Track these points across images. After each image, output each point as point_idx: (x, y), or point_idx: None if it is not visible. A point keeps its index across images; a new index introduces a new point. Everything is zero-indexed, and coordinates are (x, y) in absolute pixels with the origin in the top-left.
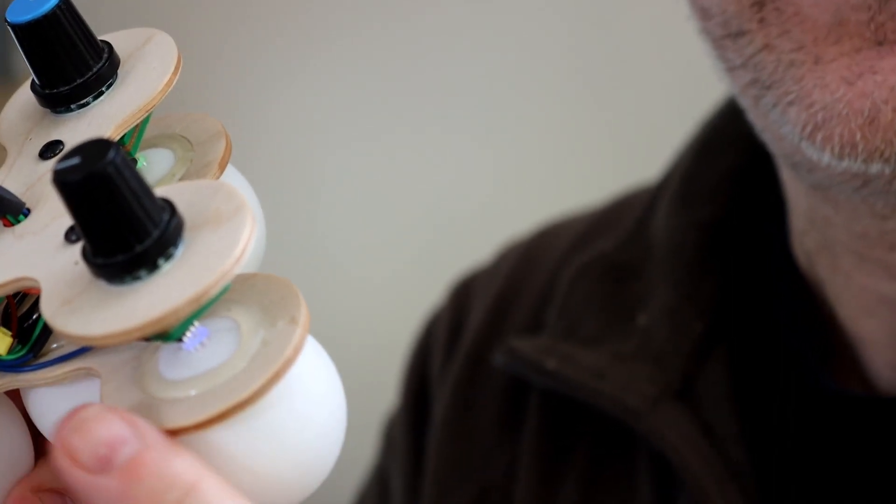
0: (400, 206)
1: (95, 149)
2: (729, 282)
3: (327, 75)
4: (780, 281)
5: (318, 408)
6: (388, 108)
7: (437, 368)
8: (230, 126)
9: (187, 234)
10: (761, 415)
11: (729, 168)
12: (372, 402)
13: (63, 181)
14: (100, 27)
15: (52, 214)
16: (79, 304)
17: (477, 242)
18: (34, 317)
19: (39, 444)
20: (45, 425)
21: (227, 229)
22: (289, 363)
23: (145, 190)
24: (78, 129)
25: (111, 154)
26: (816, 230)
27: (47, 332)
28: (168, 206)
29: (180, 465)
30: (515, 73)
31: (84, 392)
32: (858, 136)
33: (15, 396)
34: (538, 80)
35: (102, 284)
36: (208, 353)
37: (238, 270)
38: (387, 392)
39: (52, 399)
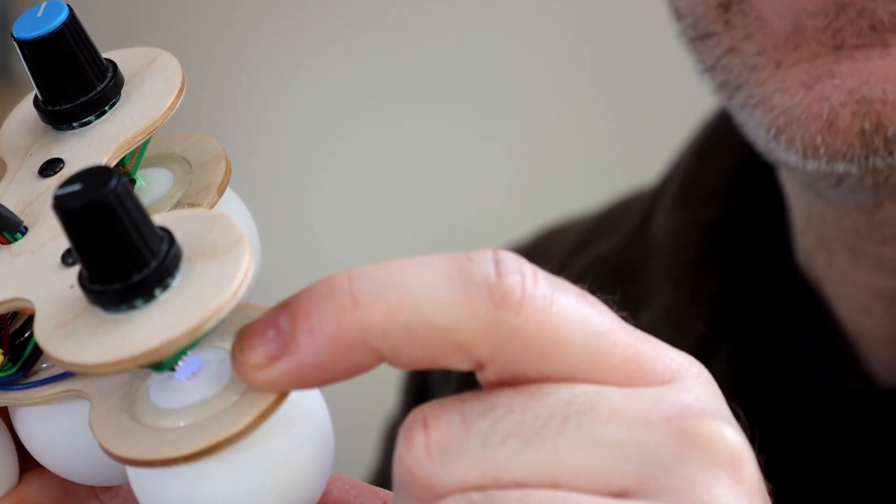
0: (400, 208)
1: (97, 176)
2: (730, 281)
3: (329, 73)
4: (781, 280)
5: (308, 442)
6: (388, 110)
7: (437, 372)
8: (242, 122)
9: (184, 265)
10: (764, 412)
11: (730, 168)
12: (372, 405)
13: (63, 208)
14: (93, 31)
15: (49, 234)
16: (73, 329)
17: (477, 245)
18: (26, 335)
19: (24, 459)
20: (32, 444)
21: (224, 262)
22: (281, 399)
23: (145, 219)
24: (79, 147)
25: (112, 182)
26: (813, 228)
27: (38, 350)
28: (167, 235)
29: None
30: (515, 75)
31: (72, 414)
32: (819, 139)
33: (2, 412)
34: (538, 81)
35: (98, 311)
36: (200, 384)
37: (235, 304)
38: (387, 395)
39: (39, 419)
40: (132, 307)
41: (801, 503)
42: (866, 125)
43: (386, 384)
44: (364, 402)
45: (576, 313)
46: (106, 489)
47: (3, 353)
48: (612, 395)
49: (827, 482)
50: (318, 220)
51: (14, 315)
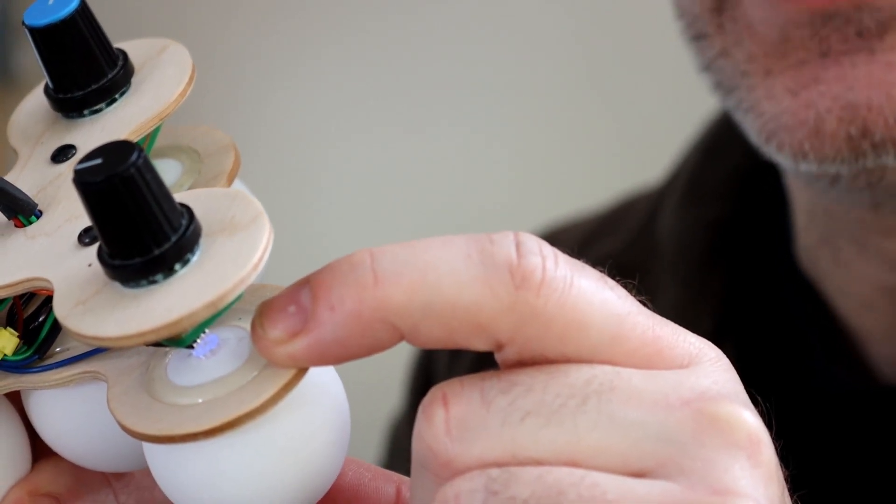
0: (401, 207)
1: (118, 150)
2: (735, 279)
3: (331, 72)
4: (785, 279)
5: (325, 421)
6: (390, 109)
7: (442, 369)
8: (245, 118)
9: (204, 241)
10: (768, 410)
11: (735, 167)
12: (376, 404)
13: (84, 181)
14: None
15: (65, 216)
16: (92, 306)
17: None
18: (40, 318)
19: (36, 446)
20: (45, 428)
21: (244, 237)
22: (300, 375)
23: (165, 194)
24: (91, 133)
25: (134, 156)
26: (817, 225)
27: (53, 333)
28: (186, 211)
29: None
30: (516, 75)
31: (88, 396)
32: (807, 145)
33: (14, 398)
34: (538, 81)
35: (117, 287)
36: (218, 362)
37: (255, 278)
38: (391, 394)
39: (54, 402)
40: (152, 282)
41: (804, 500)
42: (853, 131)
43: (389, 382)
44: (367, 401)
45: (595, 296)
46: (119, 476)
47: (18, 337)
48: (632, 377)
49: (831, 479)
50: (319, 218)
51: (28, 300)
